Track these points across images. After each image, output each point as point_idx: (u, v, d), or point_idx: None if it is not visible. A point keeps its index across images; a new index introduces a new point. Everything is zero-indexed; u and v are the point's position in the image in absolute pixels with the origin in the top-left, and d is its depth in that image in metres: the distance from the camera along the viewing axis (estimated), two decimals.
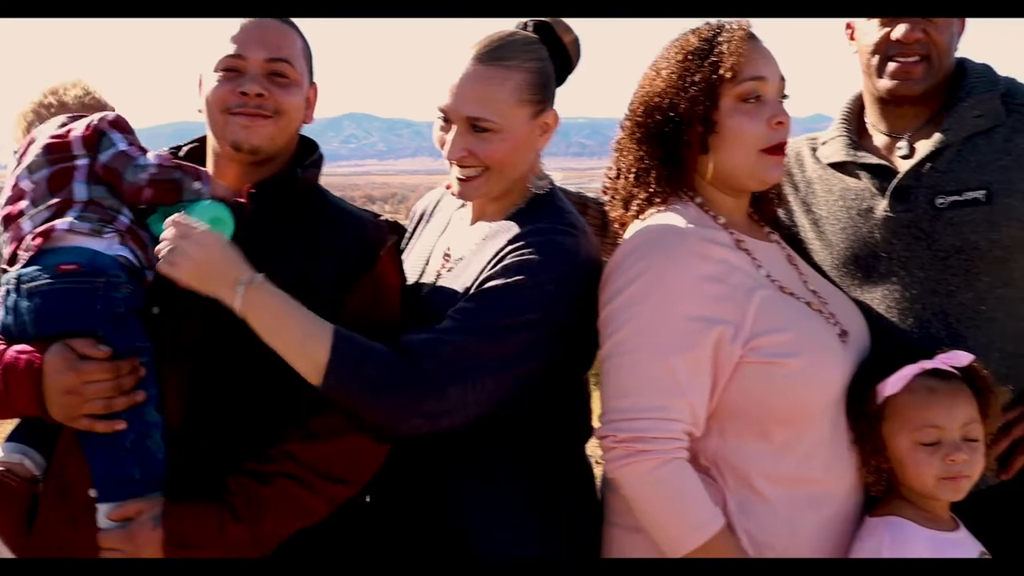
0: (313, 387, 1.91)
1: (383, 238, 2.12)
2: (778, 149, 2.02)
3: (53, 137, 2.02)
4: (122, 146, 2.00)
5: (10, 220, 1.99)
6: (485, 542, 2.03)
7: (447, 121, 2.08)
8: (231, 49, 2.01)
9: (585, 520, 2.13)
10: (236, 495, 1.90)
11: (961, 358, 2.01)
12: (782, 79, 2.03)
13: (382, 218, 2.18)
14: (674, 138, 2.03)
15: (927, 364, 1.99)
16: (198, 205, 1.98)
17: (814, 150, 2.43)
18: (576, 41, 2.17)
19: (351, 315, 1.99)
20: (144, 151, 2.03)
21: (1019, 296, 2.19)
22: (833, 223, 2.33)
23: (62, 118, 2.09)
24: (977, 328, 2.18)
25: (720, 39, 2.01)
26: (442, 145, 2.09)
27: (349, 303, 2.01)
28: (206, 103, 2.04)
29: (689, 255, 1.93)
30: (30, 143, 2.04)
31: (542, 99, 2.10)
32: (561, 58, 2.15)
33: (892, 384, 1.96)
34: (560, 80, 2.18)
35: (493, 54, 2.04)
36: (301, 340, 1.89)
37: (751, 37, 2.02)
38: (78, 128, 2.02)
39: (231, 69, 2.01)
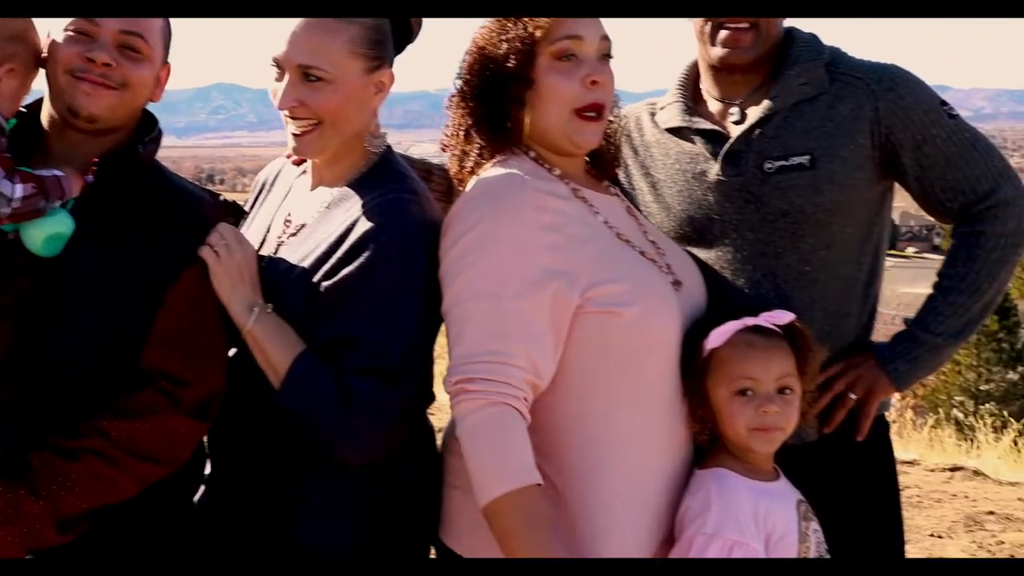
0: (136, 359, 1.92)
1: (222, 218, 2.09)
2: (593, 112, 2.03)
3: None
4: None
5: None
6: (319, 513, 2.04)
7: (280, 71, 2.06)
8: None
9: (425, 485, 2.14)
10: (38, 472, 1.84)
11: (782, 316, 2.10)
12: (604, 39, 2.05)
13: (221, 199, 2.16)
14: (498, 94, 2.05)
15: (749, 321, 2.07)
16: (46, 219, 1.90)
17: (653, 115, 2.49)
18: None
19: (185, 292, 1.98)
20: (11, 170, 1.88)
21: (840, 258, 2.30)
22: (670, 186, 2.40)
23: None
24: (802, 288, 2.28)
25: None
26: (275, 96, 2.07)
27: (184, 280, 1.99)
28: (49, 61, 1.96)
29: (524, 205, 1.96)
30: None
31: (377, 56, 2.09)
32: (402, 25, 2.15)
33: (715, 338, 2.04)
34: (402, 43, 2.18)
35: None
36: (276, 363, 1.98)
37: None
38: None
39: (82, 32, 1.94)
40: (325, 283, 2.01)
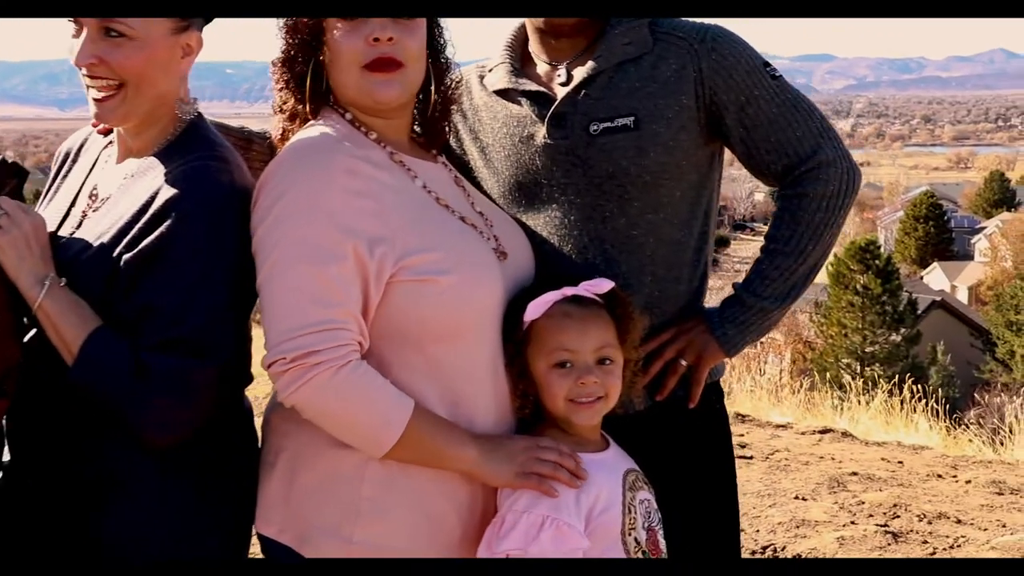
0: None
1: (2, 180, 1.96)
2: (382, 65, 1.95)
3: None
4: None
5: None
6: (128, 505, 1.93)
7: (78, 26, 1.91)
8: None
9: (247, 470, 2.05)
10: None
11: (602, 285, 2.05)
12: None
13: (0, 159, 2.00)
14: (302, 56, 2.00)
15: (568, 291, 2.02)
16: None
17: (482, 78, 2.41)
18: None
19: None
20: None
21: (669, 221, 2.25)
22: (499, 150, 2.32)
23: None
24: (630, 253, 2.23)
25: None
26: (72, 53, 1.92)
27: None
28: None
29: (335, 170, 1.88)
30: None
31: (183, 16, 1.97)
32: None
33: (533, 309, 1.98)
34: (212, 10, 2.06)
35: None
36: (69, 340, 1.87)
37: None
38: None
39: None
40: (126, 255, 1.88)
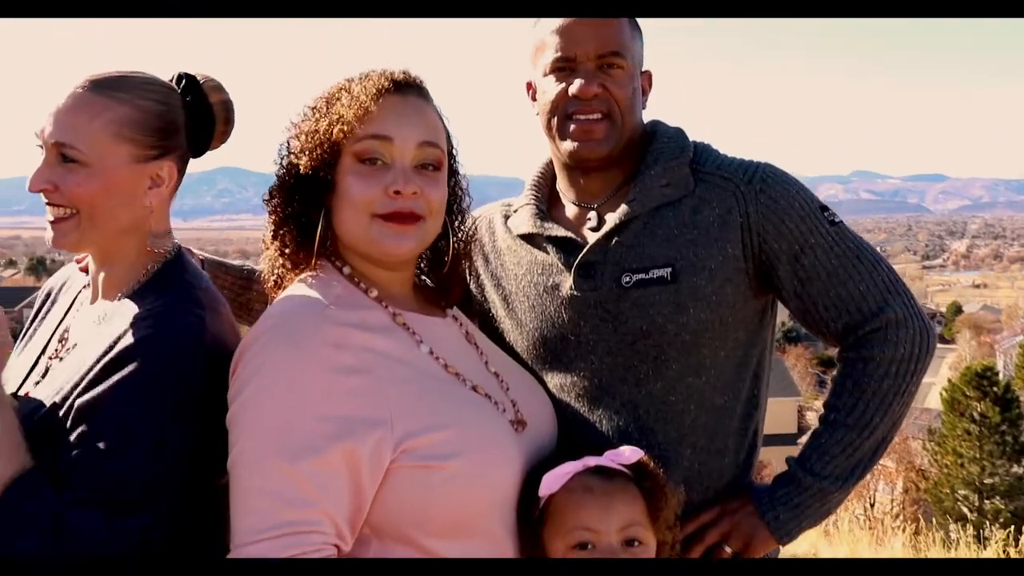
0: None
1: None
2: (399, 217, 1.73)
3: None
4: None
5: None
6: None
7: (42, 148, 1.78)
8: None
9: None
10: None
11: (627, 455, 1.78)
12: (427, 144, 1.76)
13: None
14: (301, 195, 1.77)
15: (590, 461, 1.76)
16: None
17: (506, 218, 2.20)
18: (225, 103, 1.95)
19: None
20: None
21: (710, 385, 1.98)
22: (522, 300, 2.09)
23: None
24: (667, 421, 1.96)
25: (352, 89, 1.75)
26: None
27: None
28: None
29: (320, 343, 1.62)
30: None
31: (154, 144, 1.82)
32: (206, 117, 1.91)
33: (549, 483, 1.73)
34: (205, 140, 1.93)
35: (100, 83, 1.78)
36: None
37: (391, 90, 1.75)
38: None
39: None
40: (79, 402, 1.69)
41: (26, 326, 2.09)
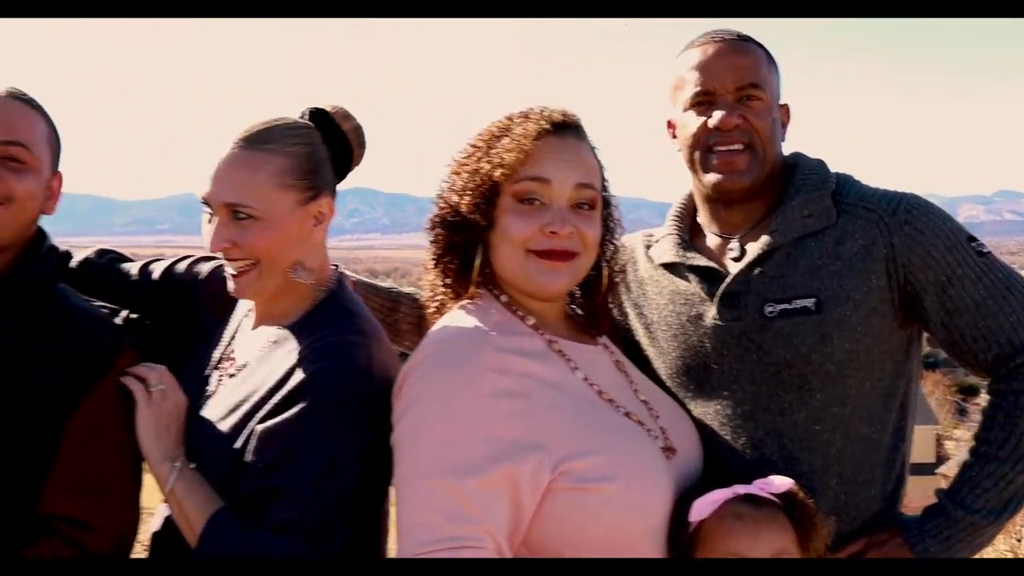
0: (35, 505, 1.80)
1: (119, 342, 1.95)
2: (553, 255, 1.80)
3: None
4: None
5: None
6: None
7: (211, 210, 1.90)
8: None
9: None
10: None
11: (777, 484, 1.81)
12: (583, 187, 1.82)
13: (124, 316, 2.03)
14: (464, 229, 1.86)
15: (740, 489, 1.79)
16: None
17: (648, 248, 2.24)
18: (357, 128, 2.04)
19: (86, 425, 1.83)
20: None
21: (856, 415, 1.98)
22: (665, 329, 2.13)
23: None
24: (811, 450, 1.97)
25: (513, 129, 1.83)
26: (207, 237, 1.91)
27: (81, 412, 1.85)
28: None
29: (482, 368, 1.71)
30: None
31: (310, 186, 1.93)
32: (341, 146, 2.00)
33: (700, 509, 1.77)
34: (344, 168, 2.04)
35: (252, 139, 1.89)
36: (193, 520, 1.83)
37: (550, 131, 1.82)
38: None
39: None
40: (260, 429, 1.83)
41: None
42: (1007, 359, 1.93)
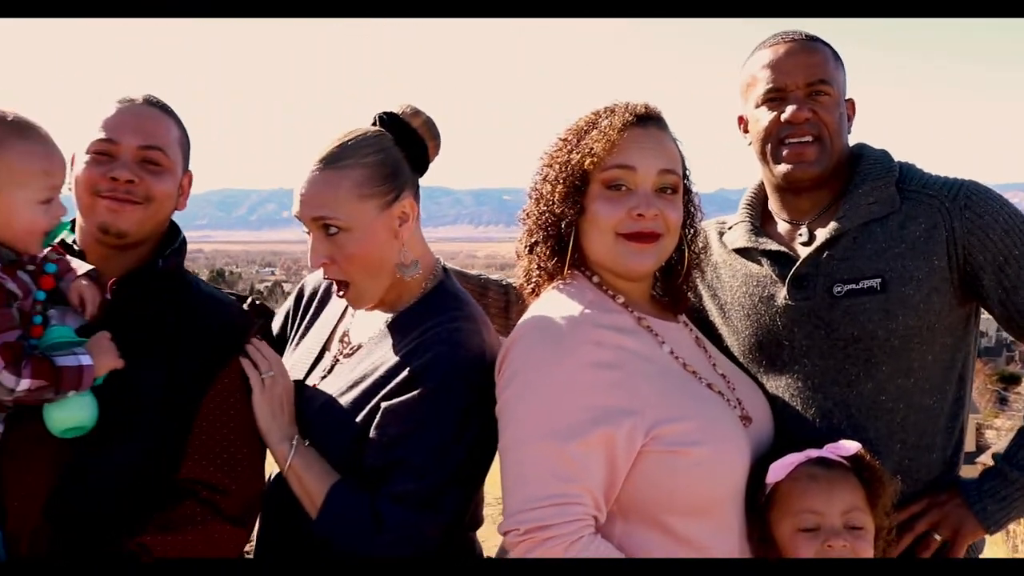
0: (175, 472, 1.98)
1: (249, 323, 2.14)
2: (641, 236, 1.97)
3: None
4: None
5: None
6: None
7: (307, 229, 2.10)
8: (103, 134, 2.03)
9: None
10: None
11: (847, 447, 1.97)
12: (666, 171, 1.99)
13: (250, 302, 2.21)
14: (556, 216, 2.02)
15: (812, 452, 1.96)
16: (66, 402, 1.88)
17: (721, 235, 2.42)
18: (427, 122, 2.16)
19: (221, 400, 2.02)
20: (11, 353, 1.79)
21: (920, 387, 2.14)
22: (738, 309, 2.30)
23: None
24: (877, 419, 2.14)
25: (600, 122, 2.00)
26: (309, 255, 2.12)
27: (214, 390, 2.04)
28: (75, 183, 2.04)
29: (580, 341, 1.89)
30: None
31: (390, 189, 2.08)
32: (415, 142, 2.15)
33: (776, 471, 1.94)
34: (422, 163, 2.18)
35: (327, 159, 2.06)
36: (313, 493, 2.02)
37: (634, 123, 1.99)
38: None
39: (103, 153, 2.02)
40: (385, 406, 2.01)
41: (293, 316, 2.42)
42: None
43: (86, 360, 1.87)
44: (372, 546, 1.93)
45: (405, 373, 2.01)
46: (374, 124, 2.15)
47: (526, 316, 2.01)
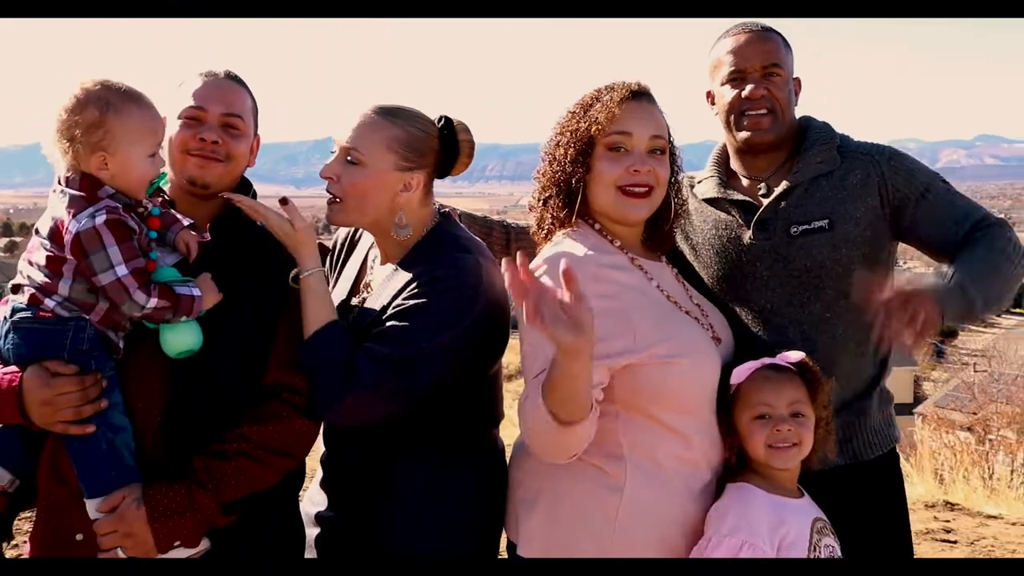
0: (261, 382, 2.40)
1: None
2: (635, 191, 2.41)
3: (55, 219, 2.22)
4: (120, 271, 2.16)
5: (27, 259, 2.30)
6: (397, 513, 2.46)
7: (334, 150, 2.50)
8: (192, 101, 2.42)
9: (488, 496, 2.56)
10: (200, 471, 2.28)
11: (793, 356, 2.46)
12: (655, 137, 2.42)
13: None
14: (567, 174, 2.45)
15: (766, 360, 2.45)
16: (178, 327, 2.29)
17: (692, 187, 2.90)
18: (470, 142, 2.56)
19: (291, 320, 2.42)
20: (141, 277, 2.19)
21: (856, 305, 2.60)
22: (708, 249, 2.81)
23: (62, 184, 2.24)
24: (824, 332, 2.67)
25: (602, 97, 2.44)
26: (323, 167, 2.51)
27: (288, 310, 2.44)
28: (168, 143, 2.40)
29: (584, 277, 2.19)
30: (53, 191, 2.27)
31: (412, 160, 2.46)
32: (453, 151, 2.54)
33: (738, 374, 2.43)
34: (446, 167, 2.55)
35: (384, 109, 2.48)
36: (311, 320, 2.39)
37: (630, 97, 2.42)
38: (70, 228, 2.17)
39: (192, 118, 2.41)
40: (384, 315, 2.40)
41: (331, 264, 2.81)
42: (973, 228, 2.60)
43: (197, 292, 2.28)
44: (338, 392, 2.30)
45: (408, 291, 2.38)
46: (437, 121, 2.54)
47: (541, 255, 2.43)
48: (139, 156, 2.25)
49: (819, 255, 2.65)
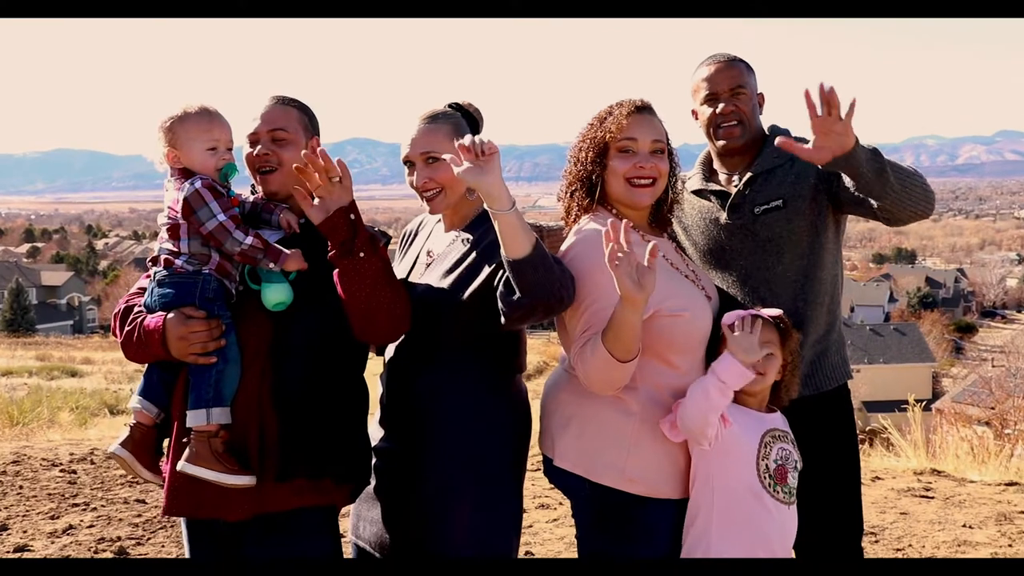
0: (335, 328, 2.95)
1: (380, 235, 3.05)
2: (641, 183, 3.10)
3: (168, 205, 2.87)
4: (220, 217, 2.80)
5: (159, 239, 2.93)
6: (443, 439, 3.01)
7: (411, 168, 3.08)
8: (251, 127, 3.01)
9: (516, 427, 3.13)
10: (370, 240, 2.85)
11: (766, 312, 3.14)
12: (656, 140, 3.03)
13: (376, 229, 3.06)
14: (588, 171, 3.11)
15: (751, 311, 3.12)
16: (273, 286, 2.87)
17: (684, 182, 3.62)
18: (478, 111, 3.24)
19: None
20: (236, 220, 2.83)
21: (811, 265, 3.40)
22: (695, 229, 3.57)
23: (168, 178, 2.91)
24: (787, 288, 3.40)
25: (614, 112, 3.15)
26: (412, 185, 3.08)
27: None
28: (246, 161, 3.02)
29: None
30: (170, 176, 2.92)
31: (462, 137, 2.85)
32: (473, 120, 3.22)
33: (727, 319, 3.09)
34: (475, 132, 3.16)
35: (430, 118, 3.10)
36: (521, 241, 2.70)
37: (636, 111, 3.10)
38: (177, 197, 2.82)
39: (252, 141, 3.01)
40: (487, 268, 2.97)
41: (399, 250, 3.45)
42: None
43: (286, 251, 2.88)
44: (541, 295, 2.71)
45: (473, 255, 3.00)
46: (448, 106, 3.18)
47: (573, 232, 3.12)
48: (198, 150, 2.89)
49: (778, 228, 3.38)
